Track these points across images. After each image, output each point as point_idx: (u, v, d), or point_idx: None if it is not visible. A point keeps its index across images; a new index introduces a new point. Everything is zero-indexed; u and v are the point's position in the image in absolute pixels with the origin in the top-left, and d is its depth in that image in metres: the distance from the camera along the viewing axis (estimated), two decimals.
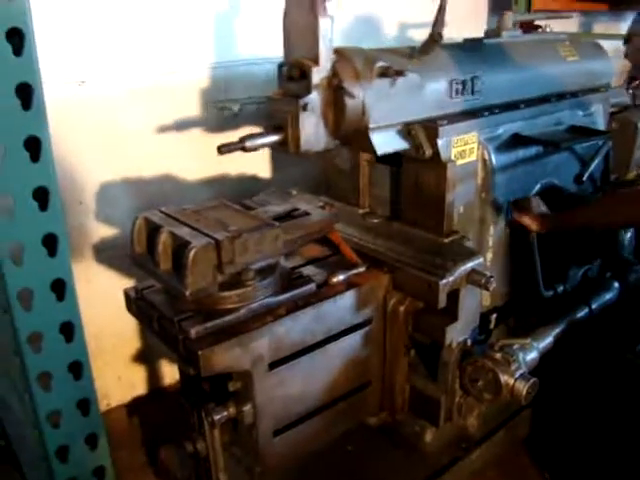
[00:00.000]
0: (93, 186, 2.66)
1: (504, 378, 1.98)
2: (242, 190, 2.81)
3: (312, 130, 1.92)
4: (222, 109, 2.92)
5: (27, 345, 1.33)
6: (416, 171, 2.15)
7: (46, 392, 1.38)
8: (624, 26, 3.92)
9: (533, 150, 2.39)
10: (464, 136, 2.14)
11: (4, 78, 1.17)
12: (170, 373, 3.12)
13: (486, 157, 2.24)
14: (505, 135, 2.31)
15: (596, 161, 2.58)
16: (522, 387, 1.96)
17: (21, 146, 1.22)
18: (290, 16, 1.91)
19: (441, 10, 1.95)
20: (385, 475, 2.32)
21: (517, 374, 1.98)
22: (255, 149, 1.90)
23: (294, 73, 1.90)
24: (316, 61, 1.86)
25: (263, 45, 2.92)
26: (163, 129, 2.78)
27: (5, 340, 1.42)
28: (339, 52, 1.93)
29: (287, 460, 2.01)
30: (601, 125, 2.75)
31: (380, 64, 1.94)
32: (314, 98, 1.88)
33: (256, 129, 3.04)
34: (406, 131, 2.07)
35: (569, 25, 3.91)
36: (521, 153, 2.35)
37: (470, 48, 2.44)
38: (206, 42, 2.82)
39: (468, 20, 3.54)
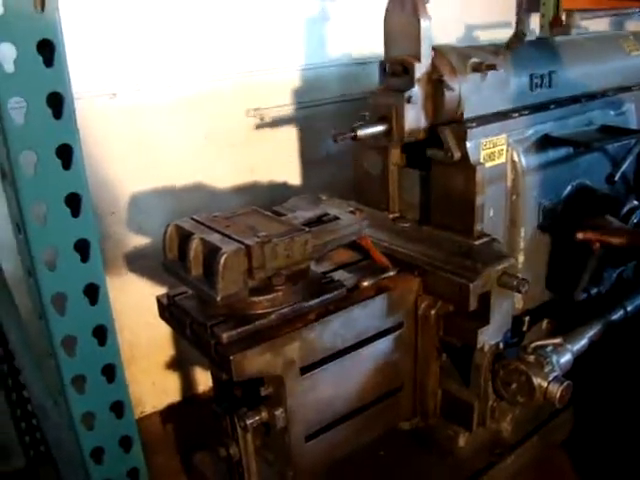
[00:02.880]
0: (125, 196, 2.70)
1: (537, 381, 1.95)
2: (273, 197, 2.83)
3: (414, 120, 2.12)
4: (253, 117, 2.94)
5: (61, 349, 1.35)
6: (445, 174, 2.15)
7: (80, 395, 1.40)
8: None
9: (563, 151, 2.38)
10: (493, 138, 2.14)
11: (36, 88, 1.20)
12: (203, 380, 3.14)
13: (515, 159, 2.23)
14: (535, 136, 2.30)
15: (628, 161, 2.54)
16: (556, 390, 1.94)
17: (53, 154, 1.25)
18: (392, 17, 2.13)
19: (521, 10, 2.09)
20: None
21: (551, 377, 1.95)
22: (365, 138, 2.10)
23: (397, 69, 2.12)
24: (418, 58, 2.07)
25: (292, 53, 2.96)
26: (194, 139, 2.81)
27: (40, 345, 1.44)
28: (436, 50, 2.13)
29: (319, 464, 2.01)
30: (633, 124, 2.72)
31: (474, 60, 2.15)
32: (417, 91, 2.09)
33: (289, 135, 3.09)
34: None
35: (599, 24, 3.87)
36: (551, 154, 2.34)
37: (544, 45, 2.57)
38: (239, 50, 2.85)
39: (498, 21, 3.54)
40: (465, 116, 2.15)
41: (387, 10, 2.13)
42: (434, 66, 2.10)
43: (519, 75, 2.33)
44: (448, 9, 3.33)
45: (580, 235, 2.19)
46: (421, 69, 2.08)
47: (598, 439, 2.55)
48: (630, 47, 2.77)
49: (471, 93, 2.15)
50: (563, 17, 3.34)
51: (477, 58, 2.15)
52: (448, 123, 2.13)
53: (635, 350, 2.58)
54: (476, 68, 2.14)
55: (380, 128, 2.10)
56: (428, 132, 2.16)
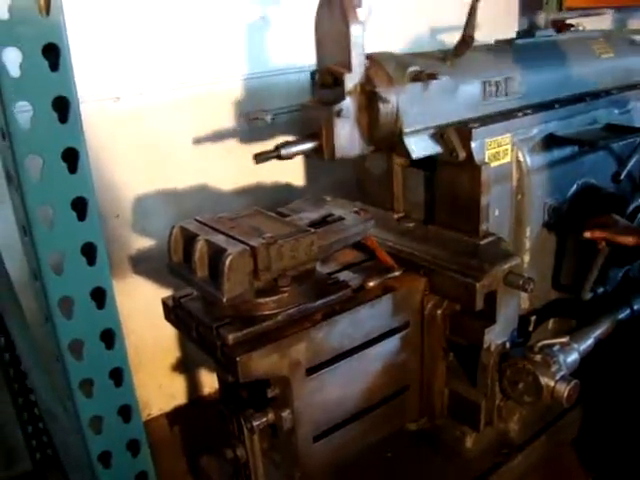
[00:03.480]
0: (129, 199, 2.70)
1: (544, 380, 1.95)
2: (276, 199, 2.82)
3: (347, 136, 1.93)
4: (255, 119, 2.94)
5: (68, 352, 1.35)
6: (450, 174, 2.14)
7: (88, 398, 1.40)
8: None
9: (568, 150, 2.37)
10: (498, 138, 2.13)
11: (41, 92, 1.20)
12: (209, 382, 3.14)
13: (520, 158, 2.21)
14: (540, 136, 2.29)
15: (634, 159, 2.53)
16: (563, 389, 1.94)
17: (59, 158, 1.24)
18: (321, 24, 1.94)
19: (472, 13, 1.95)
20: None
21: (558, 376, 1.95)
22: (290, 157, 1.92)
23: (327, 80, 1.93)
24: (349, 67, 1.87)
25: (297, 54, 2.95)
26: (197, 141, 2.81)
27: (47, 349, 1.44)
28: (371, 58, 1.95)
29: (326, 466, 2.01)
30: (638, 122, 2.71)
31: (412, 68, 1.96)
32: (348, 104, 1.89)
33: (290, 138, 3.08)
34: (439, 134, 2.06)
35: (602, 22, 3.86)
36: (556, 153, 2.33)
37: (503, 49, 2.43)
38: (238, 54, 2.85)
39: (499, 21, 3.52)
40: (405, 130, 1.97)
41: (317, 15, 1.94)
42: (368, 76, 1.91)
43: (469, 83, 2.14)
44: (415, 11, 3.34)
45: (587, 234, 2.17)
46: (353, 79, 1.88)
47: (607, 437, 2.54)
48: (600, 50, 2.65)
49: (411, 105, 1.97)
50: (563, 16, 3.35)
51: (419, 66, 1.97)
52: (385, 138, 1.98)
53: None
54: (415, 77, 1.95)
55: (309, 145, 1.92)
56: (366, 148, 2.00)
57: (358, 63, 1.88)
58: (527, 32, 2.64)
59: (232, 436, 1.94)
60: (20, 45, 1.15)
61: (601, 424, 2.57)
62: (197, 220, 1.87)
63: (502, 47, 2.47)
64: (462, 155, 2.04)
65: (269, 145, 2.77)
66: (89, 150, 1.29)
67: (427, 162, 2.17)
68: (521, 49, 2.45)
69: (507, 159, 2.17)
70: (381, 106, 1.92)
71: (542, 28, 2.63)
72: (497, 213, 2.16)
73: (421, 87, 1.98)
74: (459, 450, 2.34)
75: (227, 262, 1.63)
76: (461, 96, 2.11)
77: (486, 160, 2.08)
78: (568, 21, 2.99)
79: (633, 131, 2.56)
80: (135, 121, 2.61)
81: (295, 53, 2.96)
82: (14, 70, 1.16)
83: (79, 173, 1.27)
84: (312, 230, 1.82)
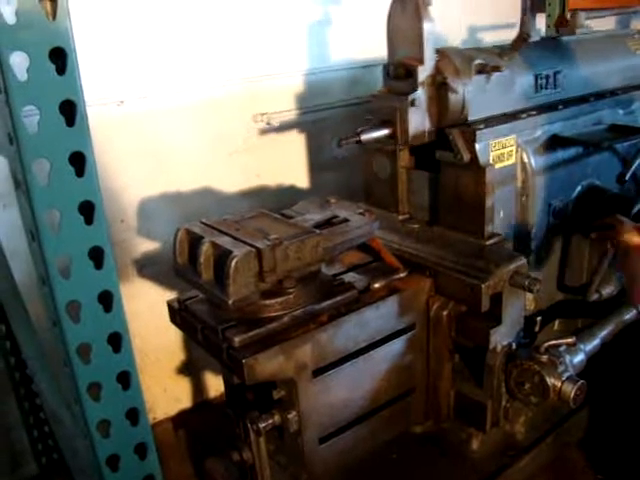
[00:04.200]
0: (134, 203, 2.70)
1: (551, 381, 1.95)
2: (280, 201, 2.83)
3: (418, 124, 2.10)
4: (260, 122, 2.94)
5: (76, 356, 1.34)
6: (455, 176, 2.14)
7: (96, 402, 1.39)
8: None
9: (573, 151, 2.37)
10: (502, 139, 2.14)
11: (48, 96, 1.20)
12: (215, 385, 3.14)
13: (525, 160, 2.22)
14: (544, 137, 2.29)
15: (639, 160, 2.53)
16: (570, 390, 1.93)
17: (66, 162, 1.24)
18: (394, 20, 2.11)
19: (526, 11, 2.09)
20: None
21: (564, 376, 1.95)
22: (369, 142, 2.10)
23: (400, 72, 2.10)
24: (421, 61, 2.05)
25: (297, 55, 2.96)
26: (201, 144, 2.82)
27: (55, 353, 1.44)
28: (440, 52, 2.11)
29: (333, 468, 2.00)
30: None
31: (478, 61, 2.13)
32: (420, 94, 2.07)
33: (297, 140, 3.10)
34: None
35: (606, 23, 3.86)
36: (561, 154, 2.34)
37: (549, 46, 2.55)
38: (244, 56, 2.85)
39: (504, 22, 3.54)
40: (470, 118, 2.14)
41: (389, 13, 2.11)
42: (438, 69, 2.09)
43: (524, 76, 2.31)
44: (453, 11, 3.35)
45: (594, 235, 2.18)
46: (424, 72, 2.06)
47: (615, 438, 2.54)
48: (635, 46, 2.76)
49: (476, 95, 2.14)
50: (568, 16, 3.35)
51: (481, 60, 2.14)
52: (453, 126, 2.11)
53: None
54: (481, 70, 2.12)
55: (384, 132, 2.10)
56: (435, 135, 2.15)
57: (430, 57, 2.06)
58: (568, 30, 2.81)
59: (238, 438, 1.93)
60: (27, 49, 1.15)
61: (609, 425, 2.56)
62: (202, 222, 1.87)
63: (550, 43, 2.61)
64: (467, 157, 2.05)
65: (272, 147, 2.80)
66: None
67: (431, 164, 2.18)
68: (566, 45, 2.57)
69: (512, 160, 2.18)
70: (451, 96, 2.09)
71: (582, 26, 2.79)
72: (502, 215, 2.16)
73: (485, 79, 2.15)
74: (465, 452, 2.33)
75: (232, 264, 1.63)
76: (517, 88, 2.29)
77: (491, 162, 2.09)
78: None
79: (638, 132, 2.56)
80: (139, 125, 2.62)
81: (295, 54, 2.97)
82: (21, 74, 1.16)
83: (86, 177, 1.27)
84: (317, 231, 1.81)
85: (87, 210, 1.29)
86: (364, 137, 2.07)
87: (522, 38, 2.22)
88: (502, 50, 2.26)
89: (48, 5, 1.16)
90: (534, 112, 2.26)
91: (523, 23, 2.23)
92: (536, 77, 2.33)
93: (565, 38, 2.67)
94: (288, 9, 2.94)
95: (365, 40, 3.11)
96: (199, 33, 2.70)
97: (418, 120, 2.09)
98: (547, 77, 2.36)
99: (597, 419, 2.56)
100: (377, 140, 2.11)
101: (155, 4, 2.57)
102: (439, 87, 2.09)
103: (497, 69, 2.11)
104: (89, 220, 1.30)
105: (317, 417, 1.89)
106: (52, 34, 1.17)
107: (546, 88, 2.37)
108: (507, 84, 2.25)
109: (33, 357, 2.11)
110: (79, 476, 1.85)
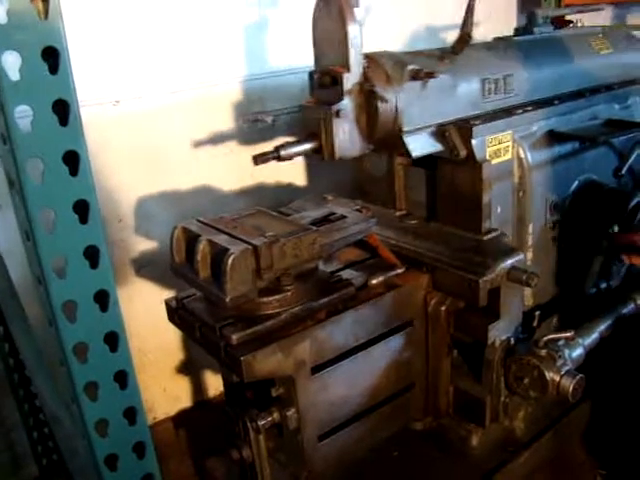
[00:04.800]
0: (131, 203, 2.70)
1: (550, 375, 1.95)
2: (278, 199, 2.83)
3: (346, 136, 1.93)
4: (256, 121, 2.94)
5: (73, 356, 1.35)
6: (451, 172, 2.14)
7: (93, 402, 1.39)
8: None
9: (569, 146, 2.37)
10: (498, 135, 2.13)
11: (41, 96, 1.20)
12: (214, 385, 3.14)
13: (522, 155, 2.22)
14: (540, 132, 2.29)
15: (635, 154, 2.53)
16: (569, 384, 1.93)
17: (60, 161, 1.24)
18: (319, 24, 1.94)
19: (469, 11, 1.96)
20: None
21: (563, 371, 1.95)
22: (290, 158, 1.92)
23: (325, 80, 1.93)
24: (347, 67, 1.87)
25: (298, 55, 2.95)
26: (199, 143, 2.81)
27: (52, 353, 1.44)
28: (369, 57, 1.95)
29: (332, 465, 2.00)
30: (639, 117, 2.70)
31: (411, 67, 1.96)
32: (346, 104, 1.90)
33: (291, 139, 3.09)
34: (440, 133, 2.06)
35: (601, 18, 3.86)
36: (557, 150, 2.33)
37: (501, 47, 2.43)
38: (238, 55, 2.85)
39: (498, 19, 3.53)
40: (405, 129, 1.98)
41: (313, 15, 1.94)
42: (366, 76, 1.91)
43: (469, 81, 2.14)
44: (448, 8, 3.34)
45: (625, 259, 2.17)
46: (351, 79, 1.88)
47: (616, 432, 2.54)
48: (600, 46, 2.65)
49: (410, 103, 1.97)
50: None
51: (417, 65, 1.97)
52: (385, 138, 1.97)
53: None
54: (414, 76, 1.94)
55: (307, 146, 1.93)
56: (367, 148, 2.00)
57: (356, 62, 1.88)
58: (525, 29, 2.65)
59: (238, 437, 1.93)
60: (19, 49, 1.15)
61: (609, 419, 2.56)
62: (199, 220, 1.87)
63: (501, 44, 2.47)
64: (463, 153, 2.04)
65: (270, 146, 2.78)
66: (89, 154, 1.29)
67: (428, 161, 2.17)
68: (520, 46, 2.45)
69: (508, 156, 2.17)
70: (380, 105, 1.92)
71: (540, 24, 2.62)
72: (499, 210, 2.16)
73: (420, 85, 1.98)
74: (465, 448, 2.33)
75: (229, 261, 1.62)
76: (460, 94, 2.12)
77: (487, 157, 2.09)
78: (567, 17, 3.00)
79: (633, 126, 2.56)
80: (135, 124, 2.61)
81: (294, 54, 2.96)
82: (13, 74, 1.16)
83: (80, 176, 1.27)
84: (314, 228, 1.81)
85: (82, 209, 1.29)
86: (284, 153, 1.90)
87: (464, 39, 2.04)
88: (443, 53, 2.11)
89: (40, 5, 1.16)
90: (477, 121, 2.07)
91: (465, 23, 2.00)
92: (483, 82, 2.17)
93: (520, 38, 2.55)
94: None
95: None
96: (193, 32, 2.69)
97: (345, 132, 1.92)
98: (496, 81, 2.19)
99: (598, 413, 2.56)
100: (302, 155, 1.97)
101: (154, 4, 2.57)
102: (368, 96, 1.92)
103: (431, 75, 1.93)
104: (84, 219, 1.30)
105: (316, 414, 1.89)
106: (44, 33, 1.18)
107: (495, 93, 2.20)
108: (448, 90, 2.08)
109: (31, 358, 2.10)
110: (79, 476, 1.85)
